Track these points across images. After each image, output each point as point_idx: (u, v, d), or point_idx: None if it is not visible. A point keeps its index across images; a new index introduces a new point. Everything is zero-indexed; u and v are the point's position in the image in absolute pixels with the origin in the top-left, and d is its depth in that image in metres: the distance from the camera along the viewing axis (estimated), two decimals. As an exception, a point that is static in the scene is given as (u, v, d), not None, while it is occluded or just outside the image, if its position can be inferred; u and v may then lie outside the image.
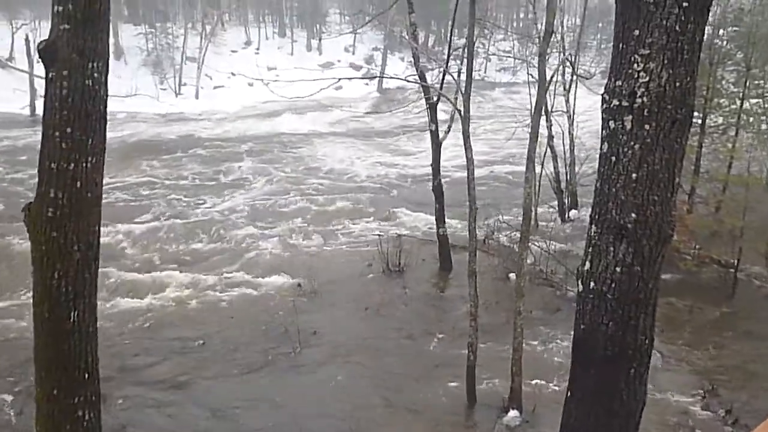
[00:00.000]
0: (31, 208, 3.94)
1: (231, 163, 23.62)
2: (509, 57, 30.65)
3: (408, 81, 12.76)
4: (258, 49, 49.69)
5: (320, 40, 49.51)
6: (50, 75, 3.81)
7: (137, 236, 15.46)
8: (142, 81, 40.11)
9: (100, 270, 12.64)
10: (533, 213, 15.06)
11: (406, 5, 11.78)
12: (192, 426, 8.26)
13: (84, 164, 3.88)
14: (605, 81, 3.68)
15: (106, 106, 3.98)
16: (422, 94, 12.54)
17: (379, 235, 14.12)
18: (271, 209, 17.86)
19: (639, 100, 3.50)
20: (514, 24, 50.20)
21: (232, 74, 39.09)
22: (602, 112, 3.75)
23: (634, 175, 3.56)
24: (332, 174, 22.56)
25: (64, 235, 3.95)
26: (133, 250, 14.51)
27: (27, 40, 33.35)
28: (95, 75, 3.85)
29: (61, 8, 3.72)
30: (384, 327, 10.99)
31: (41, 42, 3.76)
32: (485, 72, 46.18)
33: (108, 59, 3.98)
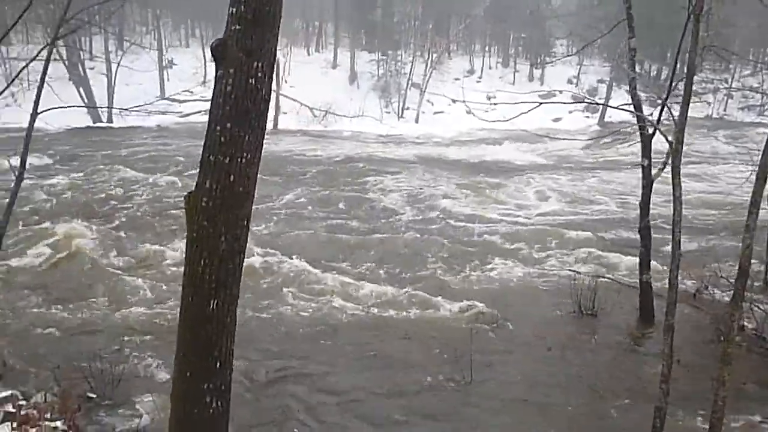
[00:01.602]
0: (191, 197, 4.20)
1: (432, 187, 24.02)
2: (755, 92, 26.89)
3: (620, 109, 11.74)
4: (480, 77, 50.63)
5: (543, 69, 48.81)
6: (219, 72, 4.04)
7: (323, 241, 16.27)
8: (370, 104, 43.05)
9: (282, 267, 13.09)
10: (764, 271, 12.97)
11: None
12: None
13: (239, 159, 4.05)
14: None
15: (267, 106, 4.12)
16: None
17: (573, 271, 13.15)
18: (466, 235, 17.69)
19: None
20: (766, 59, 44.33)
21: (453, 101, 40.15)
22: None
23: None
24: (530, 204, 21.86)
25: (214, 225, 4.14)
26: (314, 254, 15.02)
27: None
28: (259, 75, 4.01)
29: (234, 9, 3.95)
30: (565, 373, 10.07)
31: (214, 40, 4.01)
32: (725, 110, 41.57)
33: (274, 62, 4.13)
